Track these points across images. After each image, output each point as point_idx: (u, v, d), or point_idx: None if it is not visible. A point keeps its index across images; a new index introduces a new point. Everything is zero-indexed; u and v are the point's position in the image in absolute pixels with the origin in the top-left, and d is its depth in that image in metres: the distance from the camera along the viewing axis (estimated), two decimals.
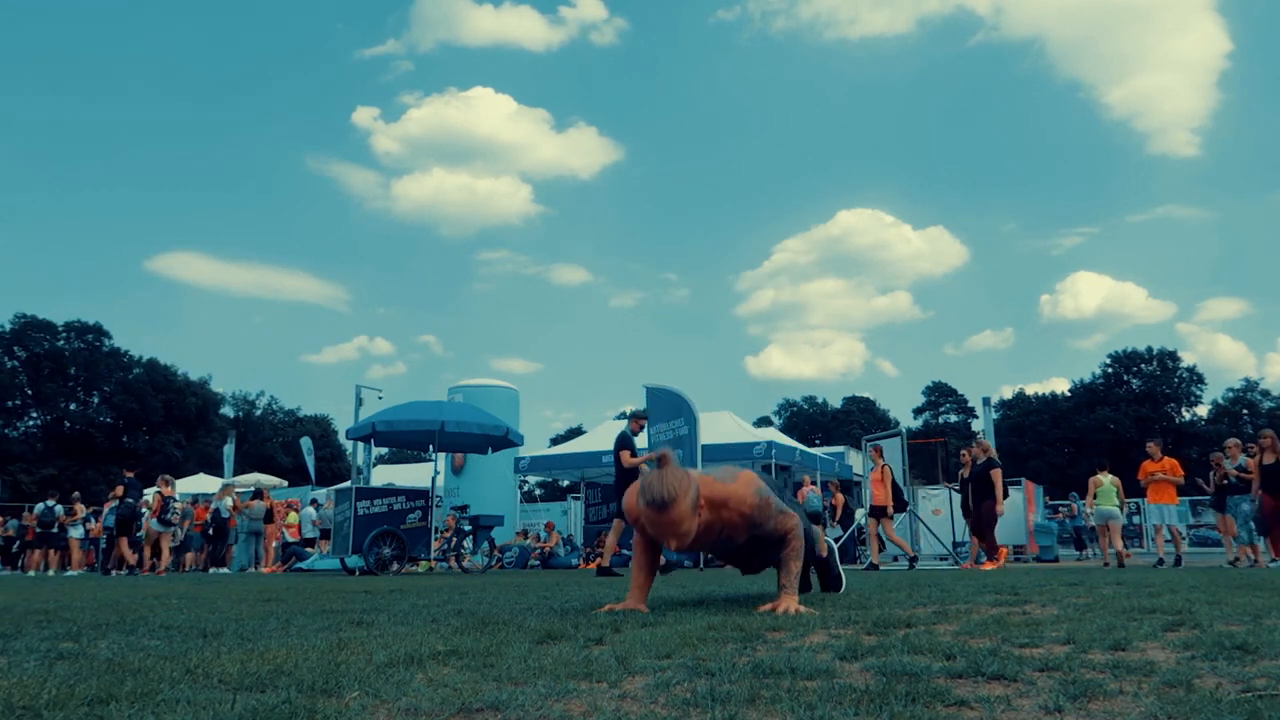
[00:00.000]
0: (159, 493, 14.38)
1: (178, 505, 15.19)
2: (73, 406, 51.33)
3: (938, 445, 20.99)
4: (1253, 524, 10.56)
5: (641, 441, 12.41)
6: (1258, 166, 69.17)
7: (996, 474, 10.65)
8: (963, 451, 11.74)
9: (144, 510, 14.59)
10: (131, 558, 13.96)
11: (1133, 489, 12.80)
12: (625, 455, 9.36)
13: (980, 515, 10.77)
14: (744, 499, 3.23)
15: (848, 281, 77.90)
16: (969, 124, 75.27)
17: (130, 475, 14.40)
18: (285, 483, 25.98)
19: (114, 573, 13.86)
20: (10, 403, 49.58)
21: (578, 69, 74.10)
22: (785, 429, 53.74)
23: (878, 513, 11.17)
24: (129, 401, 50.04)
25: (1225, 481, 10.78)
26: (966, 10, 69.79)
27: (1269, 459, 10.13)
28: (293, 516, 17.82)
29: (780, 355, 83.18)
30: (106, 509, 15.40)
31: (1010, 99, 73.67)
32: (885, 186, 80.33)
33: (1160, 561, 10.45)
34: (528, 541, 17.56)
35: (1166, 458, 11.08)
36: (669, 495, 2.92)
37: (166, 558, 14.42)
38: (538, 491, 45.95)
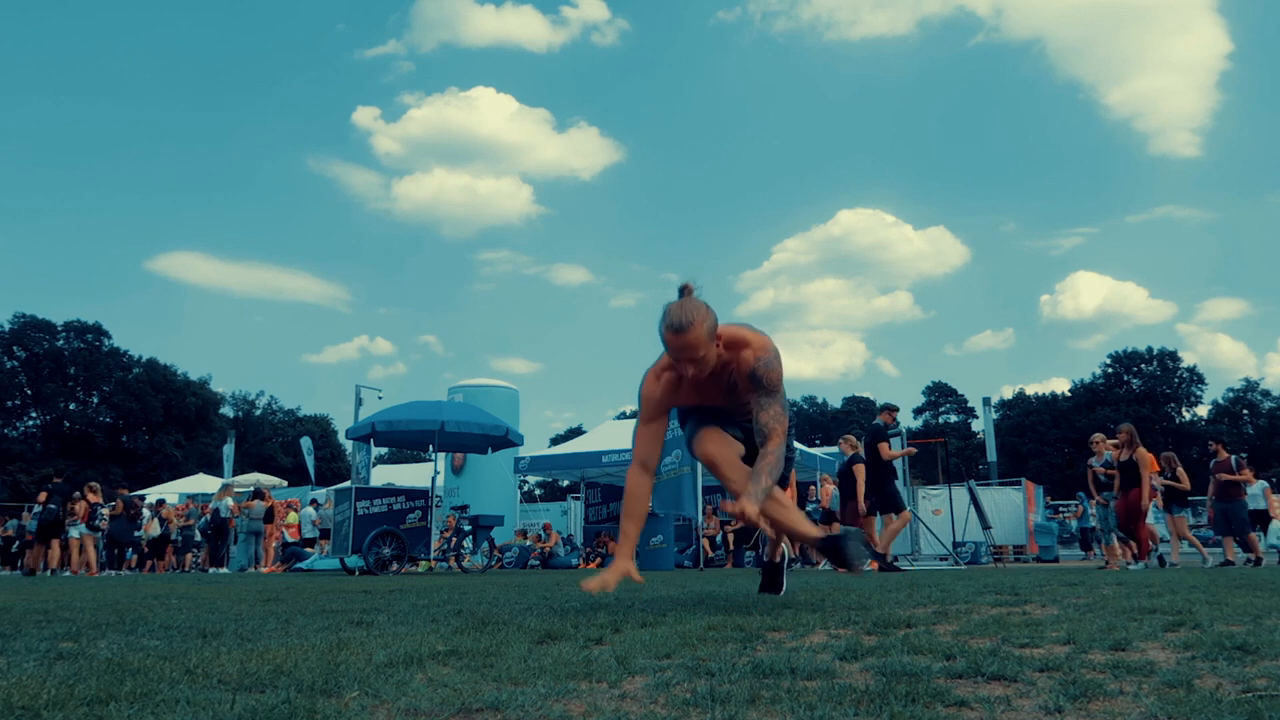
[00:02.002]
0: (83, 499, 14.68)
1: (106, 512, 15.63)
2: (72, 406, 51.35)
3: (938, 445, 20.97)
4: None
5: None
6: (1258, 167, 69.29)
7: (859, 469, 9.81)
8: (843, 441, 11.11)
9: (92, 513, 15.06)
10: (55, 560, 14.53)
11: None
12: (884, 448, 9.13)
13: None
14: (762, 345, 3.31)
15: (848, 281, 78.00)
16: (970, 124, 75.35)
17: (58, 480, 15.14)
18: (285, 483, 25.97)
19: (51, 573, 14.27)
20: (10, 403, 49.60)
21: (579, 69, 74.20)
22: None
23: (829, 517, 11.18)
24: (129, 401, 50.05)
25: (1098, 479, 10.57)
26: (967, 11, 69.96)
27: (1124, 456, 9.91)
28: (292, 516, 17.83)
29: (780, 355, 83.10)
30: (29, 515, 15.87)
31: (1011, 100, 73.76)
32: (886, 186, 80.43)
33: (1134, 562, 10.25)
34: (528, 541, 17.56)
35: (1140, 450, 10.87)
36: (688, 319, 3.05)
37: (94, 561, 14.77)
38: (538, 491, 45.96)
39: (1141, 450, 9.67)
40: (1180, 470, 12.24)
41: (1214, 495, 11.39)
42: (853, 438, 10.46)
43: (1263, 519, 12.33)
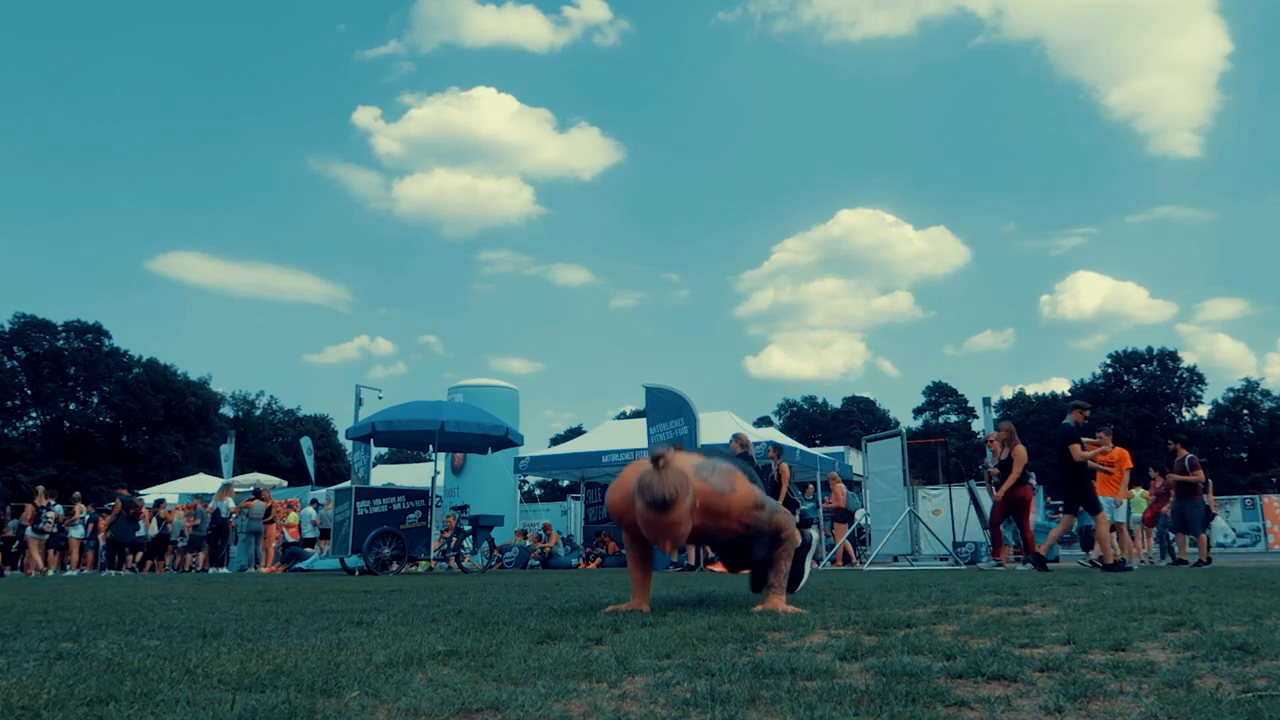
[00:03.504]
0: (32, 504, 15.06)
1: (51, 515, 16.06)
2: (72, 406, 51.34)
3: (938, 445, 20.99)
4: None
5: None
6: (1258, 167, 69.26)
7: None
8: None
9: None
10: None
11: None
12: (1075, 448, 8.92)
13: None
14: (744, 510, 3.18)
15: (848, 281, 77.96)
16: (970, 125, 75.34)
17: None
18: (285, 483, 25.97)
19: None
20: (10, 403, 49.58)
21: (580, 70, 74.19)
22: (785, 429, 53.73)
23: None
24: (129, 401, 50.04)
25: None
26: (967, 12, 69.88)
27: (1004, 454, 9.79)
28: (292, 516, 17.82)
29: (780, 355, 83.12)
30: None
31: (1011, 100, 73.75)
32: (886, 186, 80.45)
33: (1119, 564, 10.17)
34: (528, 541, 17.56)
35: (1117, 448, 10.66)
36: (669, 497, 2.84)
37: (39, 561, 15.16)
38: (538, 491, 45.95)
39: (1019, 448, 9.62)
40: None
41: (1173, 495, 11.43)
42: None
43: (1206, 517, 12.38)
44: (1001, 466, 9.78)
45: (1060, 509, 12.86)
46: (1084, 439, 11.10)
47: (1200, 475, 10.91)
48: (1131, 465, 10.51)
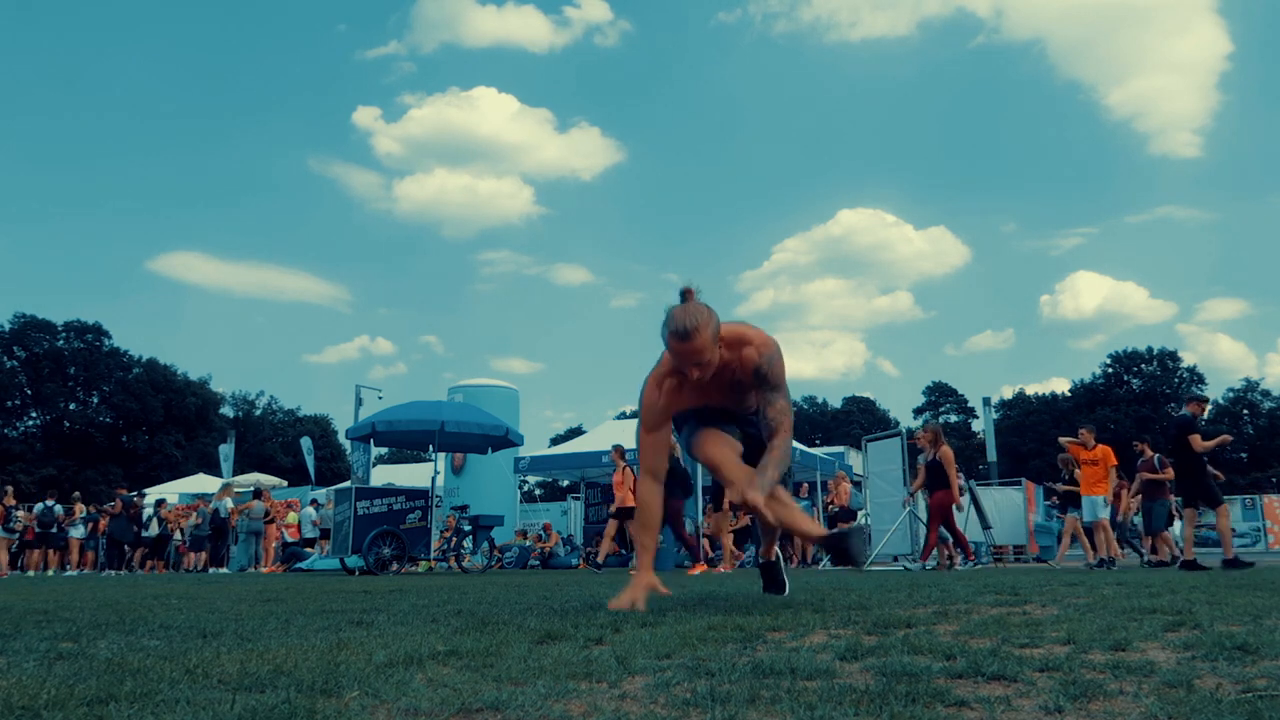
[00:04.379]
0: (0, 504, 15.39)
1: (21, 515, 16.36)
2: (72, 406, 51.34)
3: None
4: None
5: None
6: (1258, 167, 69.32)
7: None
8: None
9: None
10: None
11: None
12: (1195, 439, 8.77)
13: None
14: (764, 342, 3.33)
15: (848, 281, 78.04)
16: (970, 125, 75.37)
17: None
18: (285, 483, 25.97)
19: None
20: (10, 403, 49.58)
21: (581, 70, 74.27)
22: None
23: (622, 514, 11.13)
24: (129, 401, 50.04)
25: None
26: (967, 13, 69.96)
27: (931, 455, 9.76)
28: (292, 516, 17.82)
29: None
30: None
31: (1011, 100, 73.80)
32: (887, 186, 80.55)
33: (1101, 563, 10.03)
34: (528, 541, 17.56)
35: (1100, 445, 10.61)
36: (692, 324, 3.07)
37: (3, 563, 15.37)
38: (538, 491, 45.95)
39: (945, 449, 9.59)
40: (1079, 473, 12.30)
41: (1139, 493, 11.43)
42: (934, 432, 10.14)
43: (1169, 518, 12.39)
44: (928, 467, 9.75)
45: (1062, 509, 12.88)
46: (1064, 439, 11.13)
47: (1169, 474, 10.89)
48: (1115, 463, 10.48)
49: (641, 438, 3.48)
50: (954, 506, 9.80)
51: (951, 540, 10.17)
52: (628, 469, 11.25)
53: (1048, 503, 17.54)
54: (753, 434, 3.59)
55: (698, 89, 76.98)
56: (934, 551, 10.15)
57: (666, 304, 3.22)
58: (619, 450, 11.68)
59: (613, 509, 11.48)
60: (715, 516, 11.18)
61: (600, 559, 11.38)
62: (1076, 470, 12.14)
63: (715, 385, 3.38)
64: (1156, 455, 10.93)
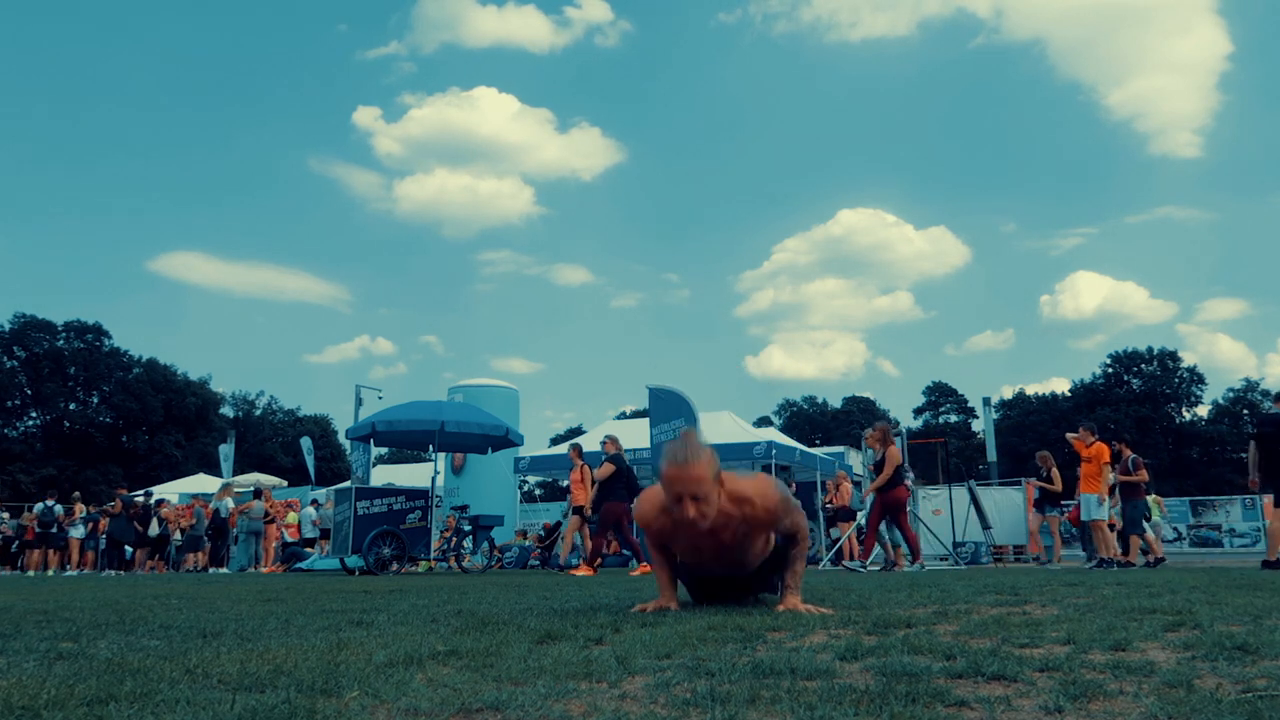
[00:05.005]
0: None
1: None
2: (72, 406, 51.33)
3: (938, 445, 20.98)
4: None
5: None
6: (1258, 167, 69.29)
7: None
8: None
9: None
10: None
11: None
12: None
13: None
14: (767, 495, 3.17)
15: (849, 281, 78.04)
16: (971, 125, 75.39)
17: None
18: (285, 483, 25.97)
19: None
20: (10, 403, 49.57)
21: (582, 70, 74.29)
22: (785, 429, 53.73)
23: (579, 512, 11.13)
24: (129, 401, 50.03)
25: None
26: (967, 13, 69.93)
27: (879, 454, 9.65)
28: (292, 516, 17.82)
29: (780, 355, 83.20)
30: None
31: (1012, 101, 73.81)
32: (887, 186, 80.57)
33: (1101, 563, 9.94)
34: (527, 541, 17.56)
35: (1097, 443, 10.46)
36: (693, 454, 2.92)
37: None
38: (538, 491, 45.94)
39: (892, 449, 9.54)
40: (1054, 472, 12.30)
41: (1117, 495, 11.41)
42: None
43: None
44: (876, 467, 9.72)
45: (1039, 507, 12.91)
46: (1069, 435, 11.10)
47: (1144, 475, 10.86)
48: (1108, 460, 10.44)
49: (652, 552, 3.50)
50: (900, 507, 9.74)
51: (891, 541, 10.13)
52: (585, 467, 11.23)
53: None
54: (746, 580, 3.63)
55: (698, 89, 77.07)
56: (874, 550, 10.15)
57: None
58: (576, 450, 11.71)
59: (570, 508, 11.45)
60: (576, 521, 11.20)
61: (562, 559, 11.10)
62: (1054, 469, 12.20)
63: (712, 544, 3.21)
64: (1131, 456, 10.91)
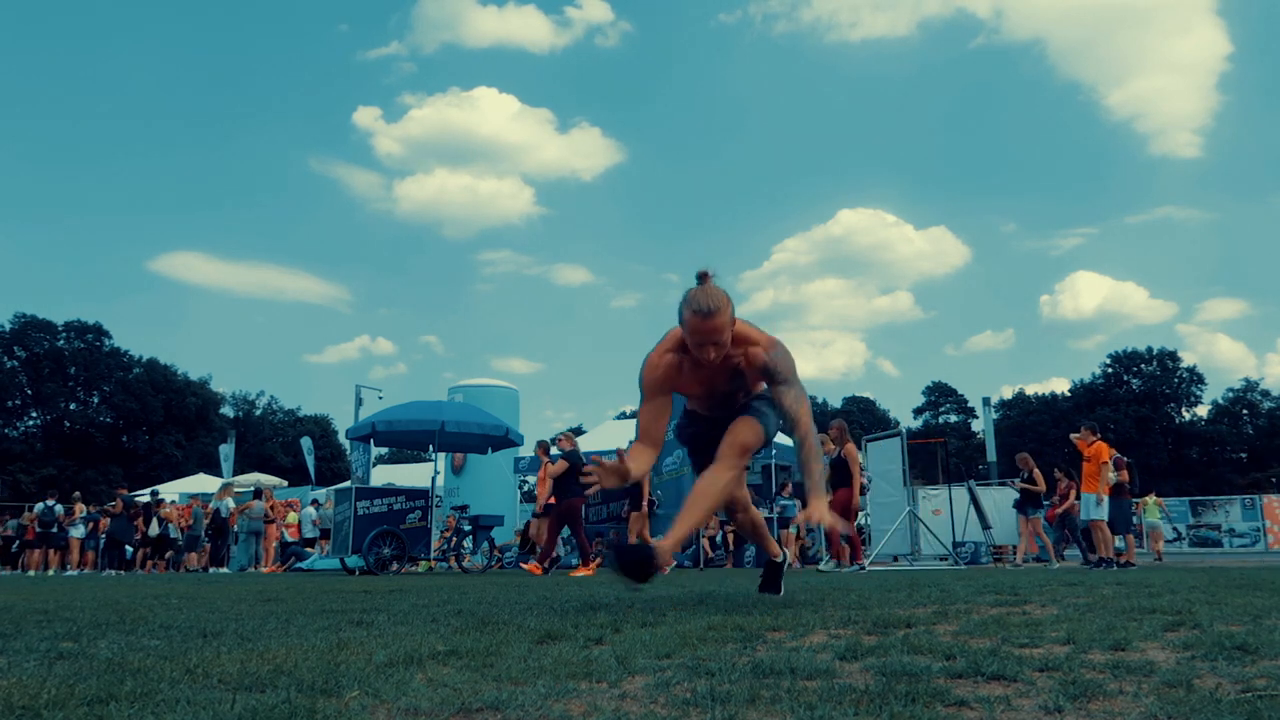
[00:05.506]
0: None
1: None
2: (73, 406, 51.34)
3: (938, 445, 20.96)
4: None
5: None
6: (1258, 167, 69.31)
7: None
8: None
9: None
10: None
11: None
12: None
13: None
14: (770, 342, 3.44)
15: (849, 281, 78.04)
16: (971, 125, 75.39)
17: None
18: (285, 483, 25.97)
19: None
20: (10, 403, 49.58)
21: (582, 71, 74.28)
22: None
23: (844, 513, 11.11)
24: (129, 401, 50.04)
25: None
26: (967, 14, 69.95)
27: (834, 453, 9.61)
28: (292, 516, 17.83)
29: None
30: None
31: (1011, 101, 73.82)
32: (887, 186, 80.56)
33: (1101, 562, 9.94)
34: None
35: (1098, 442, 10.38)
36: (714, 304, 3.20)
37: None
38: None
39: (850, 447, 9.51)
40: (1036, 473, 12.31)
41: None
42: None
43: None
44: (833, 465, 9.69)
45: (1021, 509, 12.93)
46: (1072, 435, 11.10)
47: (1125, 476, 10.85)
48: (1107, 460, 10.43)
49: (640, 409, 3.54)
50: (853, 507, 9.72)
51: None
52: (549, 464, 11.13)
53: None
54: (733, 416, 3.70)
55: (698, 89, 77.07)
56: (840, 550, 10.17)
57: (676, 295, 3.36)
58: (542, 446, 11.68)
59: (539, 508, 11.34)
60: (634, 517, 11.11)
61: (544, 561, 10.54)
62: (1035, 470, 12.25)
63: (717, 373, 3.46)
64: (1114, 456, 10.91)
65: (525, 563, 11.11)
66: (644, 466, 3.45)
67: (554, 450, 10.47)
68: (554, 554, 10.87)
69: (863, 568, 9.95)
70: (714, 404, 3.71)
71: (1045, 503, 12.80)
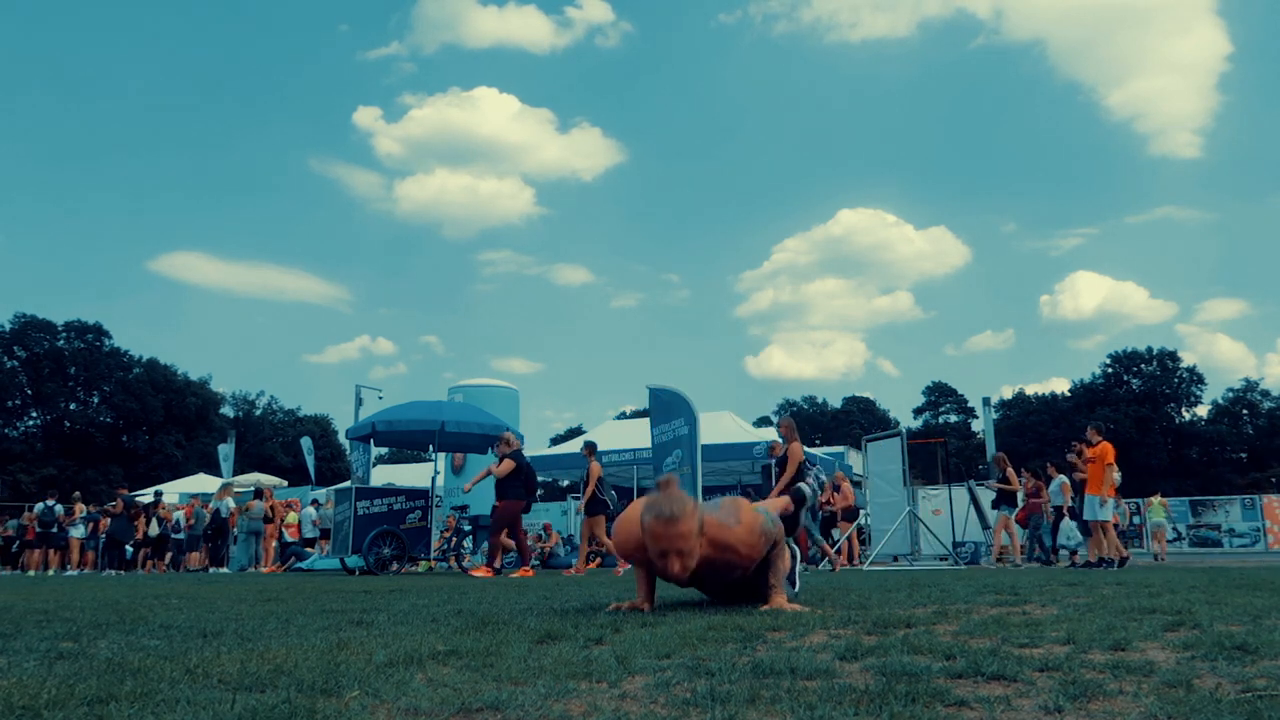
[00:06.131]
0: None
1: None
2: (73, 406, 51.33)
3: (938, 445, 20.95)
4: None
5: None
6: (1258, 168, 69.29)
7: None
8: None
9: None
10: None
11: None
12: None
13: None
14: (750, 544, 3.25)
15: (849, 281, 78.01)
16: (971, 125, 75.38)
17: None
18: (285, 483, 25.96)
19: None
20: (10, 403, 49.58)
21: (582, 71, 74.27)
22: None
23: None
24: (129, 401, 50.04)
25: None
26: (967, 14, 69.88)
27: (780, 451, 9.59)
28: (292, 516, 17.82)
29: (780, 355, 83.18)
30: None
31: (1012, 101, 73.80)
32: (887, 186, 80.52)
33: (1101, 562, 9.86)
34: (528, 541, 17.56)
35: (1102, 443, 10.25)
36: (678, 509, 2.97)
37: None
38: (538, 491, 45.94)
39: (794, 446, 9.48)
40: (1010, 472, 12.31)
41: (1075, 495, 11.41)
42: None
43: (1065, 515, 12.32)
44: (779, 463, 9.66)
45: (995, 505, 12.94)
46: (1074, 441, 11.08)
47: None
48: (1112, 461, 10.41)
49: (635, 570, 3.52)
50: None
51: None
52: (494, 465, 10.81)
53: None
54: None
55: (698, 90, 77.05)
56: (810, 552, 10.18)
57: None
58: (589, 448, 11.65)
59: (581, 508, 11.23)
60: (589, 522, 11.03)
61: (497, 563, 10.12)
62: (1009, 469, 12.26)
63: (699, 575, 3.29)
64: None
65: (476, 566, 11.06)
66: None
67: (500, 450, 10.27)
68: (527, 553, 10.82)
69: (806, 569, 9.95)
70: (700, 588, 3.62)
71: (1020, 503, 12.79)
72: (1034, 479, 12.67)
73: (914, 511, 13.10)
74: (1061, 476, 12.31)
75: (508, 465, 9.99)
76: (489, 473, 10.30)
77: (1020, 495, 12.53)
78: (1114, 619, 2.78)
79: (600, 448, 15.92)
